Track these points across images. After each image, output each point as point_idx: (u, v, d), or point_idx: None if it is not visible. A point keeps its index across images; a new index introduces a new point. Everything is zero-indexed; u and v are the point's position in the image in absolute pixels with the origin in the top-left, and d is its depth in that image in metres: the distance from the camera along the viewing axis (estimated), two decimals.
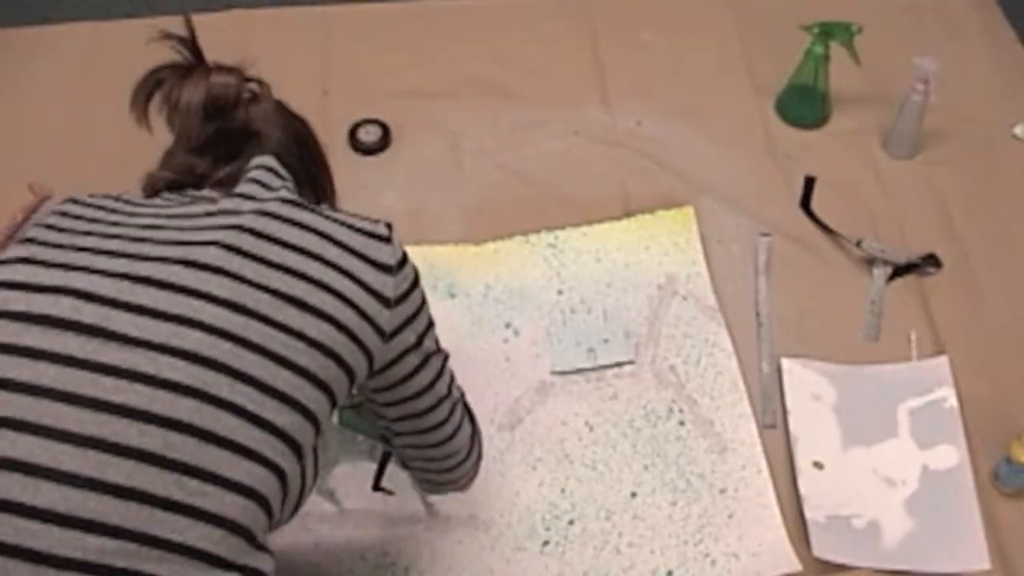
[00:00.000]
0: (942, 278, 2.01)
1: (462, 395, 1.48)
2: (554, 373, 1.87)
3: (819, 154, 2.19)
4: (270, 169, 1.32)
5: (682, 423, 1.81)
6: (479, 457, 1.55)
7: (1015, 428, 1.71)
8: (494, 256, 2.01)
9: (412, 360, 1.33)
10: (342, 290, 1.20)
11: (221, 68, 1.37)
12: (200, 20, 2.37)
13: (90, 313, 1.10)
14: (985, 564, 1.66)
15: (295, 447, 1.15)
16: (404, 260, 1.29)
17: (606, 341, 1.90)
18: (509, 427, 1.81)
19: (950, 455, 1.77)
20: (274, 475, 1.13)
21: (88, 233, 1.21)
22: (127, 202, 1.30)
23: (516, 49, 2.38)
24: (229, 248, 1.17)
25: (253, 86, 1.42)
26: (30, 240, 1.21)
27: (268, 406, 1.12)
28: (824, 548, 1.66)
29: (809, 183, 2.11)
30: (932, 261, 2.01)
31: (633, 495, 1.74)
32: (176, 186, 1.34)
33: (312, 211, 1.26)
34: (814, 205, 2.09)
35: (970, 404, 1.83)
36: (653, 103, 2.28)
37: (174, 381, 1.08)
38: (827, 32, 2.12)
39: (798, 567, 1.65)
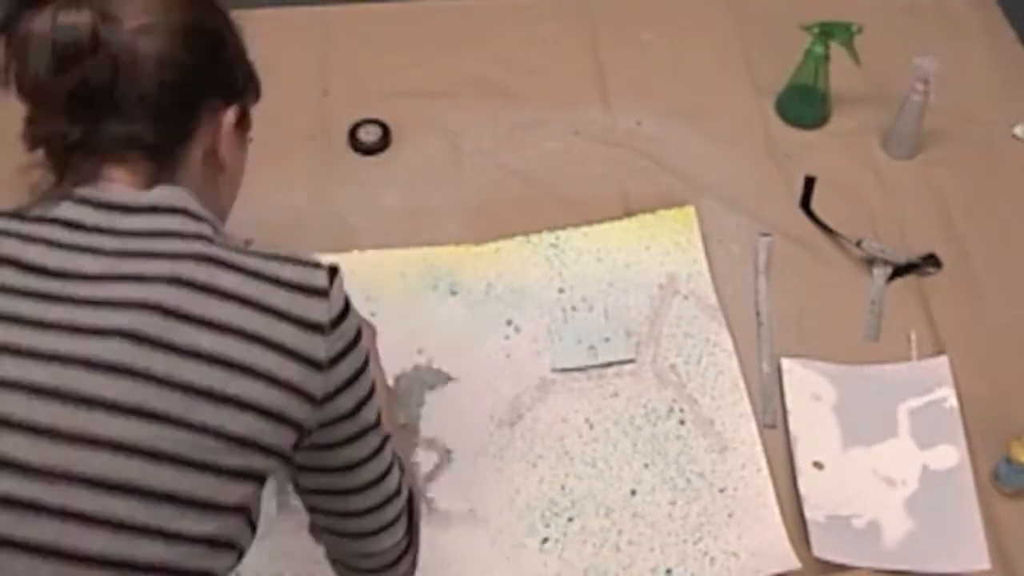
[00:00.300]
0: (942, 278, 2.00)
1: (410, 497, 1.36)
2: (555, 371, 1.87)
3: (819, 154, 2.19)
4: (181, 211, 1.15)
5: (682, 422, 1.81)
6: (410, 569, 1.42)
7: (1015, 428, 1.71)
8: (495, 256, 2.00)
9: (346, 428, 1.20)
10: (266, 368, 1.09)
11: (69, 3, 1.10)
12: None
13: None
14: (985, 564, 1.66)
15: (224, 543, 1.10)
16: (343, 315, 1.15)
17: (607, 339, 1.90)
18: (509, 424, 1.81)
19: (950, 455, 1.77)
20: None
21: None
22: (23, 236, 1.11)
23: (516, 49, 2.37)
24: (135, 338, 1.04)
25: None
26: None
27: (187, 517, 1.06)
28: (824, 548, 1.66)
29: (809, 183, 2.11)
30: (932, 261, 2.01)
31: (633, 493, 1.74)
32: (54, 161, 1.15)
33: (234, 269, 1.11)
34: (814, 205, 2.09)
35: (970, 404, 1.83)
36: (653, 103, 2.28)
37: (83, 513, 1.01)
38: (827, 32, 2.12)
39: (797, 565, 1.65)
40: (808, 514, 1.70)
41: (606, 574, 1.66)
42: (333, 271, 1.16)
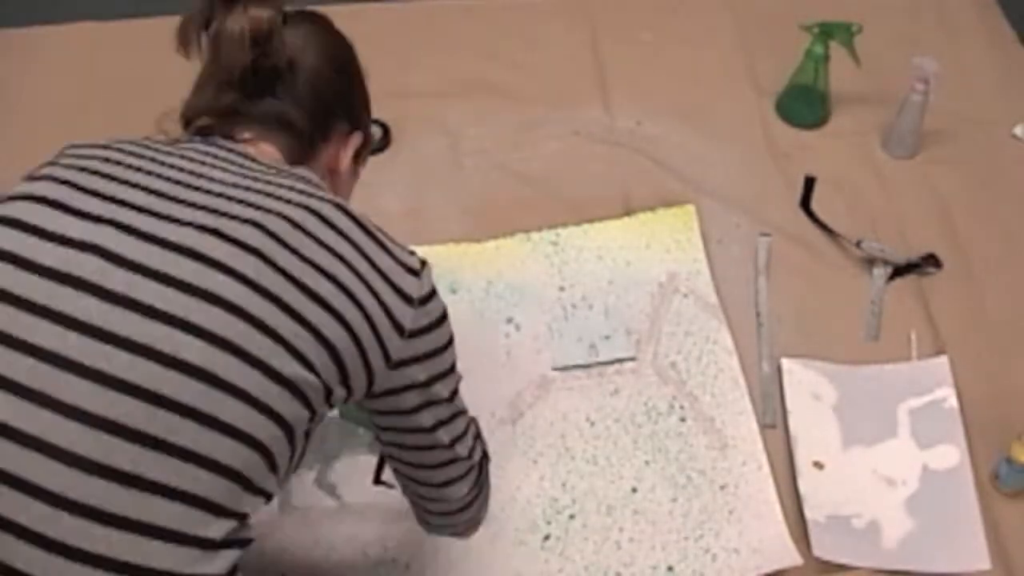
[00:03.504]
0: (942, 278, 2.01)
1: (480, 460, 1.46)
2: (555, 368, 1.87)
3: (819, 154, 2.19)
4: (314, 182, 1.31)
5: (683, 419, 1.81)
6: (474, 524, 1.55)
7: (1015, 428, 1.71)
8: (496, 253, 2.01)
9: (414, 398, 1.30)
10: (363, 302, 1.19)
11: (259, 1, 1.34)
12: None
13: (117, 280, 1.10)
14: (985, 564, 1.66)
15: (289, 432, 1.16)
16: (429, 297, 1.27)
17: (607, 337, 1.90)
18: (510, 421, 1.81)
19: (950, 455, 1.77)
20: (264, 460, 1.14)
21: (118, 180, 1.21)
22: (158, 150, 1.28)
23: (516, 49, 2.38)
24: (265, 231, 1.16)
25: (289, 11, 1.38)
26: (62, 181, 1.21)
27: (272, 393, 1.12)
28: (824, 548, 1.66)
29: (809, 183, 2.11)
30: (932, 261, 2.01)
31: (634, 490, 1.74)
32: (209, 119, 1.34)
33: (354, 220, 1.24)
34: (814, 205, 2.09)
35: (970, 404, 1.83)
36: (653, 103, 2.28)
37: (188, 362, 1.08)
38: (827, 32, 2.13)
39: (799, 561, 1.64)
40: (808, 514, 1.70)
41: (607, 571, 1.66)
42: (423, 262, 1.29)
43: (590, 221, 2.06)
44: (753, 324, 1.94)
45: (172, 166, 1.24)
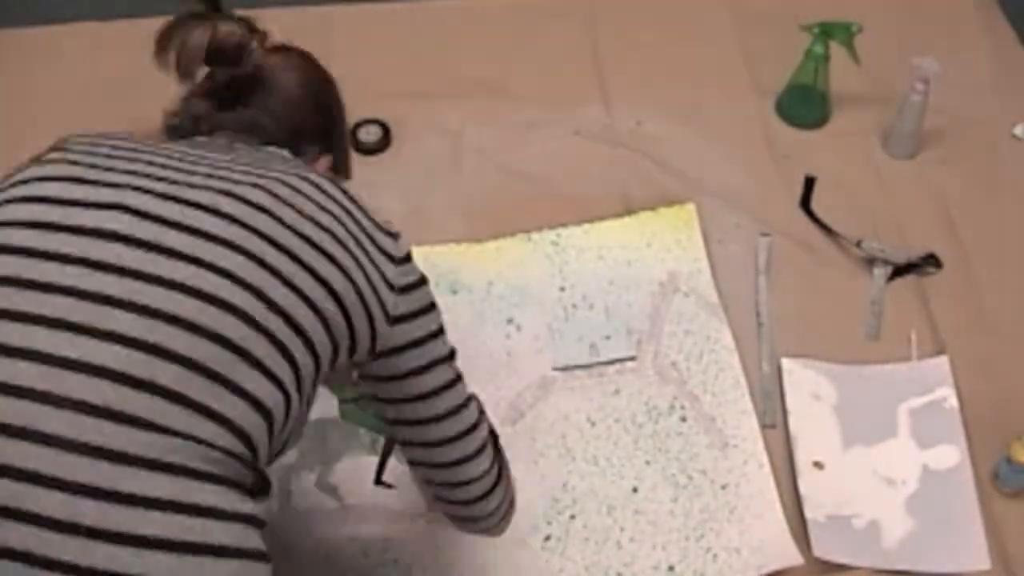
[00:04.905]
0: (942, 278, 2.01)
1: (490, 435, 1.44)
2: (556, 369, 1.87)
3: (819, 154, 2.19)
4: (293, 161, 1.36)
5: (684, 419, 1.82)
6: (508, 505, 1.49)
7: (1015, 428, 1.72)
8: (496, 254, 2.01)
9: (415, 357, 1.32)
10: (360, 257, 1.24)
11: (230, 17, 1.40)
12: None
13: (146, 230, 1.14)
14: (985, 564, 1.66)
15: (300, 383, 1.18)
16: (408, 259, 1.31)
17: (608, 337, 1.90)
18: (511, 422, 1.81)
19: (950, 455, 1.77)
20: (285, 402, 1.16)
21: (127, 158, 1.24)
22: (148, 142, 1.32)
23: (516, 49, 2.38)
24: (268, 192, 1.20)
25: (263, 37, 1.44)
26: (72, 162, 1.23)
27: (291, 340, 1.16)
28: (824, 548, 1.66)
29: (809, 183, 2.11)
30: (932, 261, 2.01)
31: (635, 490, 1.74)
32: (181, 127, 1.40)
33: (339, 188, 1.29)
34: (814, 205, 2.09)
35: (970, 404, 1.83)
36: (653, 103, 2.28)
37: (221, 298, 1.12)
38: (827, 32, 2.13)
39: (800, 561, 1.65)
40: (808, 514, 1.70)
41: (608, 571, 1.66)
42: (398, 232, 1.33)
43: (590, 221, 2.06)
44: (753, 324, 1.95)
45: (169, 149, 1.29)
